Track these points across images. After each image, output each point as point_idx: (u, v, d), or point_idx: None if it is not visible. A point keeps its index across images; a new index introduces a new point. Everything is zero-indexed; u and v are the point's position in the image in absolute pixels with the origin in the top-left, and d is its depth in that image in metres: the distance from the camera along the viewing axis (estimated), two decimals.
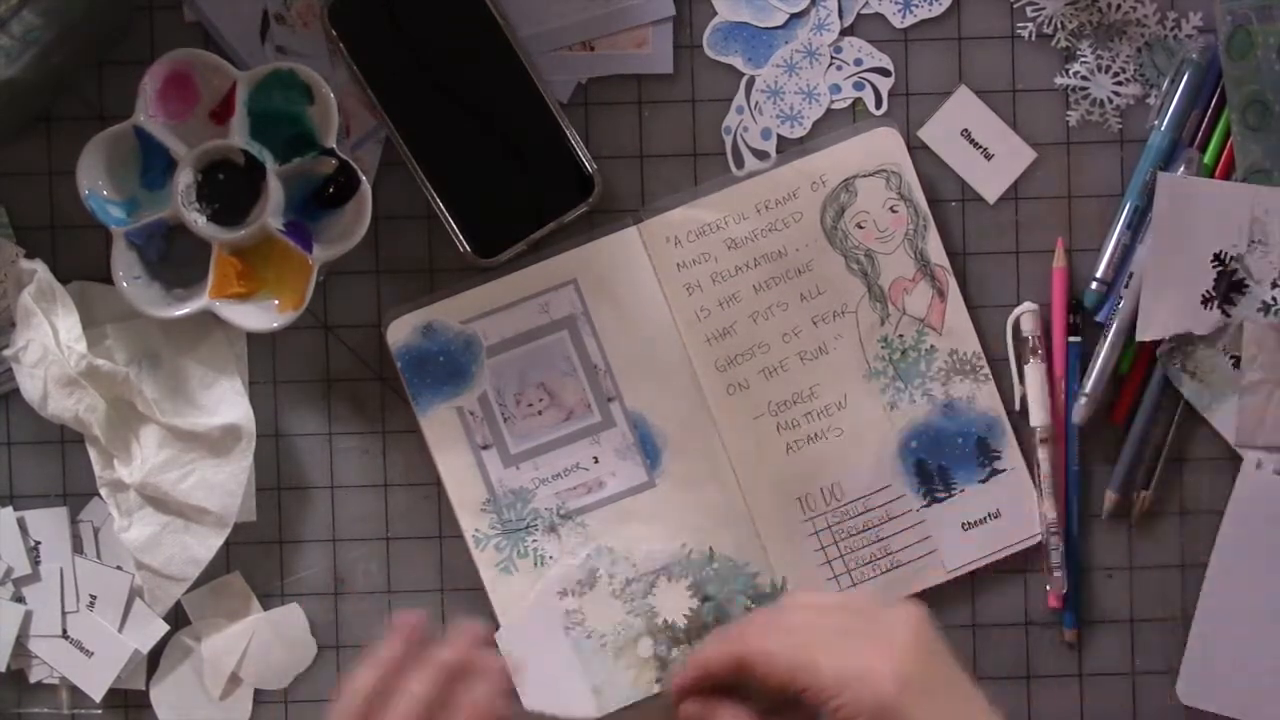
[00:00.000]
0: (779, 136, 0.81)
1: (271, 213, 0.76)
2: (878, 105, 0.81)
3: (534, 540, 0.81)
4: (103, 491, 0.80)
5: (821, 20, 0.81)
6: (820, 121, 0.81)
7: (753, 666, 0.63)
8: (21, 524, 0.81)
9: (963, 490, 0.81)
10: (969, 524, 0.81)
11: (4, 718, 0.82)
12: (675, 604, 0.81)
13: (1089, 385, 0.81)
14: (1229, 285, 0.80)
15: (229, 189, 0.78)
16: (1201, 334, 0.80)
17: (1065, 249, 0.81)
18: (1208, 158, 0.80)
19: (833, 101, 0.81)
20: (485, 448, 0.81)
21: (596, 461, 0.81)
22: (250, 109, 0.76)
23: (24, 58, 0.73)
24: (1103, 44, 0.81)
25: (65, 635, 0.81)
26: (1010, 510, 0.81)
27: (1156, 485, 0.81)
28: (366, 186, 0.76)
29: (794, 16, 0.81)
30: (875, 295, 0.81)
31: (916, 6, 0.81)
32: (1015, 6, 0.81)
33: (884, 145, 0.81)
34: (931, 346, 0.81)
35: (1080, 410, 0.81)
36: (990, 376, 0.81)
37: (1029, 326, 0.81)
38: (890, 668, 0.61)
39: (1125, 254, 0.81)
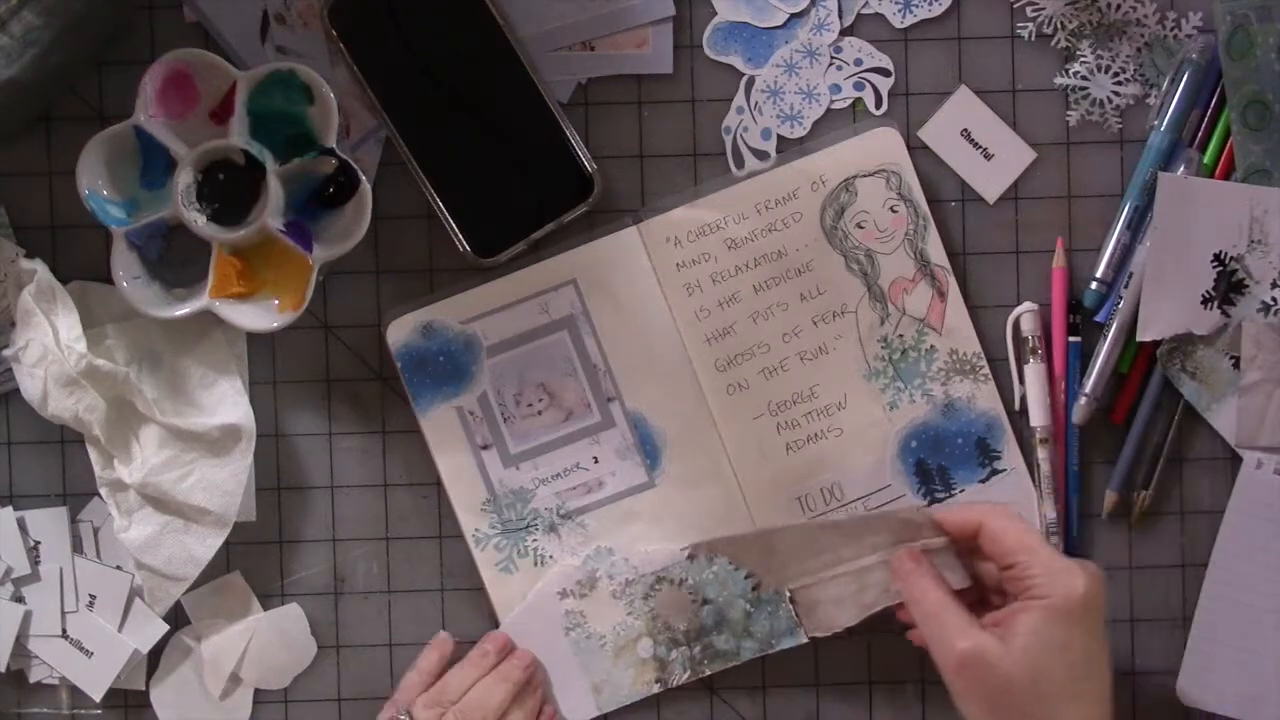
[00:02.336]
0: (779, 136, 0.81)
1: (271, 213, 0.76)
2: (878, 105, 0.82)
3: (534, 540, 0.81)
4: (103, 491, 0.80)
5: (821, 20, 0.81)
6: (820, 121, 0.81)
7: (986, 534, 0.73)
8: (21, 524, 0.81)
9: (963, 490, 0.81)
10: None
11: (4, 718, 0.82)
12: (675, 607, 0.81)
13: (1089, 385, 0.81)
14: (1229, 285, 0.80)
15: (229, 189, 0.78)
16: (1201, 334, 0.80)
17: (1065, 249, 0.81)
18: (1208, 158, 0.80)
19: (833, 101, 0.81)
20: (485, 448, 0.81)
21: (596, 461, 0.81)
22: (250, 109, 0.77)
23: (24, 58, 0.73)
24: (1103, 44, 0.81)
25: (65, 635, 0.81)
26: None
27: (1156, 485, 0.82)
28: (366, 186, 0.76)
29: (794, 16, 0.81)
30: (875, 295, 0.81)
31: (916, 6, 0.81)
32: (1015, 6, 0.81)
33: (884, 145, 0.81)
34: (931, 346, 0.81)
35: (1080, 410, 0.81)
36: (990, 376, 0.81)
37: (1029, 326, 0.81)
38: (1084, 583, 0.70)
39: (1125, 254, 0.81)
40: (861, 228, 0.81)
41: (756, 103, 0.81)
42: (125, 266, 0.77)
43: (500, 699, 0.78)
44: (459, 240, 0.79)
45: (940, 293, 0.81)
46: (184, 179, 0.76)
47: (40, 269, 0.78)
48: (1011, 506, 0.76)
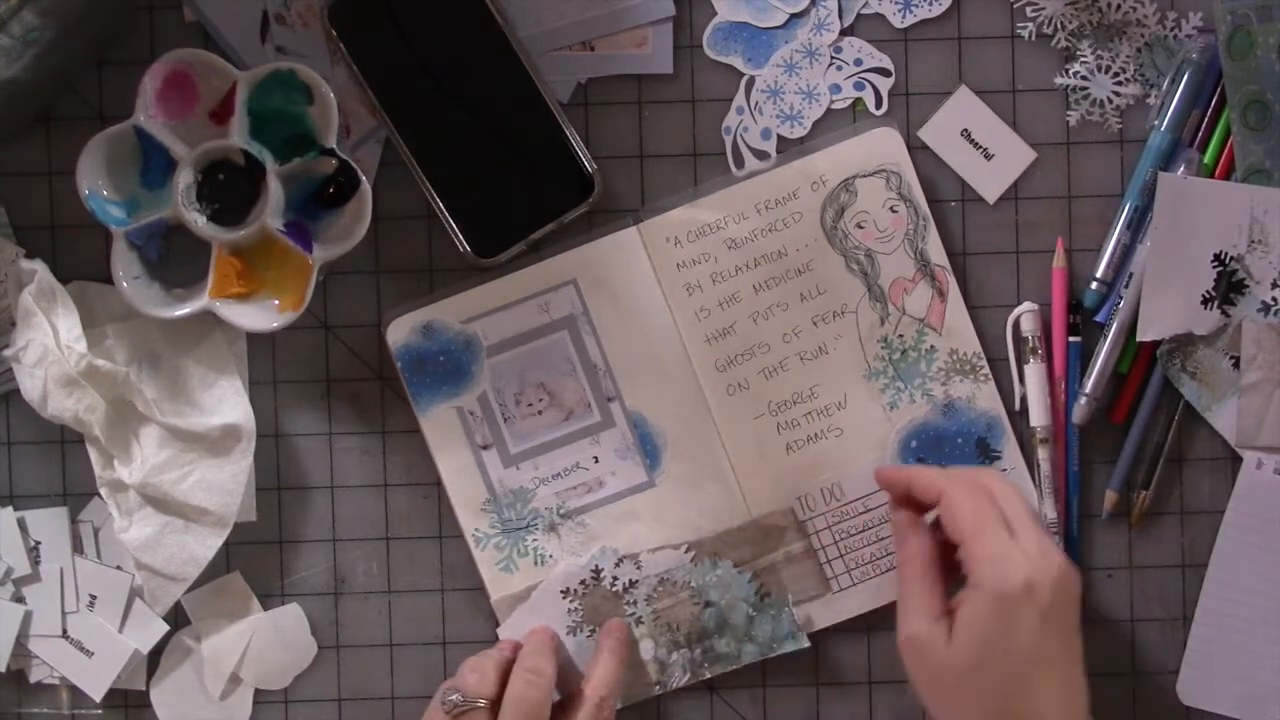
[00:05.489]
0: (779, 136, 0.81)
1: (271, 213, 0.76)
2: (878, 105, 0.82)
3: (534, 540, 0.81)
4: (103, 491, 0.80)
5: (821, 20, 0.81)
6: (820, 121, 0.81)
7: (944, 506, 0.72)
8: (21, 524, 0.81)
9: None
10: None
11: (4, 718, 0.82)
12: (678, 609, 0.81)
13: (1089, 385, 0.81)
14: (1229, 285, 0.80)
15: (229, 189, 0.78)
16: (1201, 334, 0.80)
17: (1065, 249, 0.81)
18: (1208, 158, 0.80)
19: (833, 101, 0.81)
20: (485, 447, 0.81)
21: (596, 461, 0.81)
22: (250, 109, 0.76)
23: (24, 58, 0.73)
24: (1103, 44, 0.81)
25: (65, 635, 0.81)
26: None
27: (1156, 485, 0.81)
28: (366, 186, 0.76)
29: (794, 16, 0.81)
30: (875, 295, 0.81)
31: (916, 6, 0.81)
32: (1015, 6, 0.81)
33: (884, 145, 0.81)
34: (931, 346, 0.81)
35: (1080, 410, 0.81)
36: (990, 376, 0.81)
37: (1029, 326, 0.81)
38: (1025, 569, 0.68)
39: (1125, 254, 0.81)
40: (861, 228, 0.81)
41: (756, 103, 0.81)
42: (125, 266, 0.77)
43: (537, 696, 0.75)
44: (459, 240, 0.79)
45: (940, 293, 0.81)
46: (184, 179, 0.76)
47: (40, 269, 0.78)
48: (1001, 475, 0.76)
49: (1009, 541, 0.70)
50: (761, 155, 0.81)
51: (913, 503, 0.75)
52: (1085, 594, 0.81)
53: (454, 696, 0.74)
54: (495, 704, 0.74)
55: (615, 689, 0.77)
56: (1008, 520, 0.71)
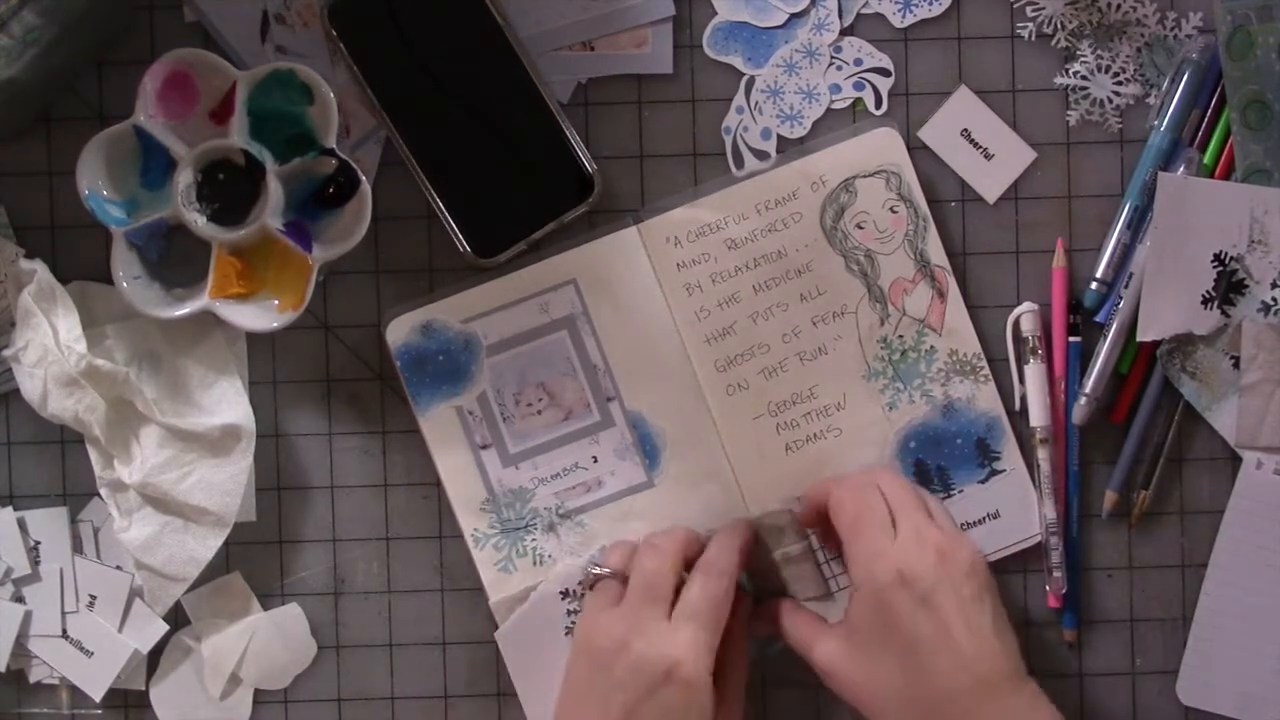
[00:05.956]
0: (779, 136, 0.81)
1: (271, 213, 0.76)
2: (878, 105, 0.82)
3: (533, 540, 0.81)
4: (103, 491, 0.80)
5: (821, 20, 0.81)
6: (820, 121, 0.81)
7: (830, 508, 0.76)
8: (21, 524, 0.81)
9: (962, 491, 0.81)
10: (968, 524, 0.81)
11: (4, 718, 0.82)
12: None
13: (1089, 385, 0.81)
14: (1229, 285, 0.80)
15: (229, 189, 0.78)
16: (1201, 334, 0.80)
17: (1065, 249, 0.81)
18: (1208, 158, 0.80)
19: (833, 101, 0.81)
20: (484, 447, 0.81)
21: (595, 461, 0.81)
22: (250, 109, 0.77)
23: (24, 58, 0.73)
24: (1103, 44, 0.81)
25: (65, 635, 0.81)
26: (1010, 511, 0.81)
27: (1156, 485, 0.81)
28: (366, 186, 0.76)
29: (794, 16, 0.81)
30: (875, 296, 0.81)
31: (916, 6, 0.81)
32: (1015, 6, 0.81)
33: (884, 145, 0.81)
34: (931, 347, 0.81)
35: (1080, 410, 0.81)
36: (990, 377, 0.81)
37: (1029, 326, 0.81)
38: (896, 565, 0.71)
39: (1125, 254, 0.81)
40: (861, 228, 0.81)
41: (756, 103, 0.81)
42: (125, 266, 0.77)
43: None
44: (459, 240, 0.79)
45: (940, 293, 0.81)
46: (184, 179, 0.76)
47: (40, 269, 0.78)
48: (891, 470, 0.79)
49: (882, 538, 0.72)
50: (761, 155, 0.81)
51: (826, 519, 0.77)
52: (1086, 594, 0.82)
53: (594, 569, 0.77)
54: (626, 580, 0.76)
55: (729, 563, 0.76)
56: (892, 511, 0.74)
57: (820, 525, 0.79)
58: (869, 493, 0.75)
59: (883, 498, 0.75)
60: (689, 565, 0.76)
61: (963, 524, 0.81)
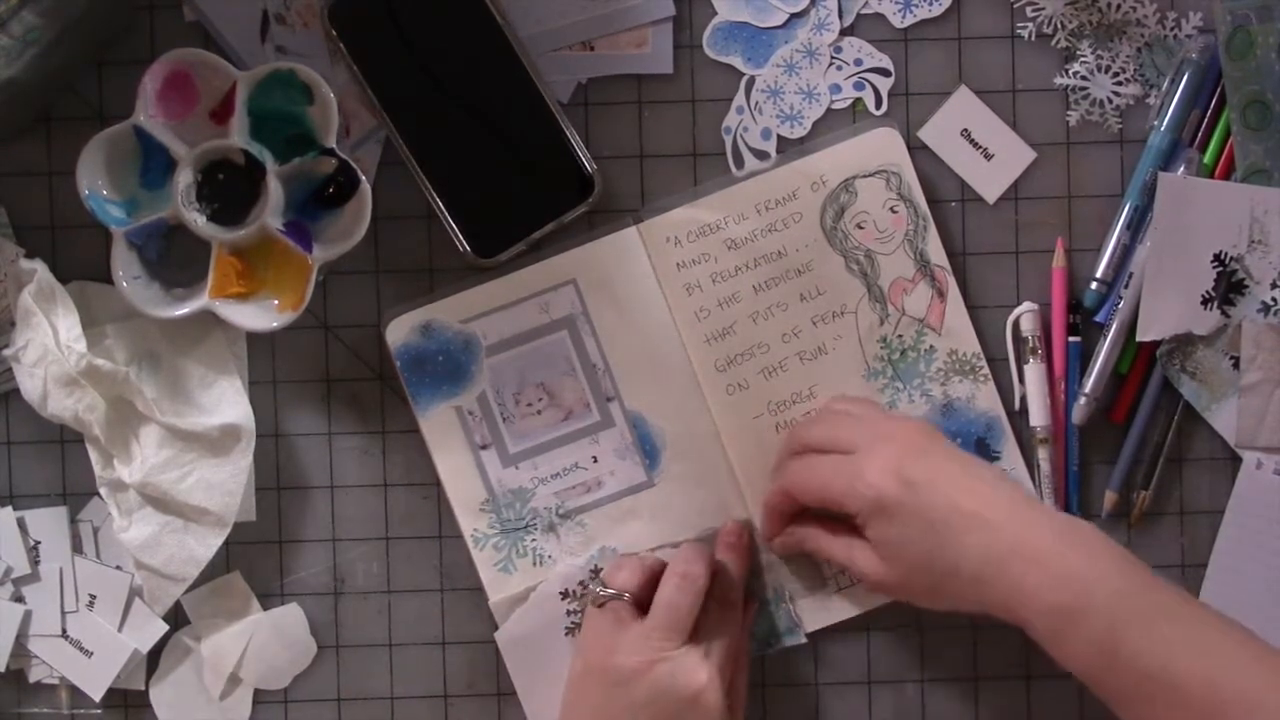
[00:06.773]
0: (779, 136, 0.81)
1: (271, 213, 0.76)
2: (878, 105, 0.82)
3: (533, 540, 0.81)
4: (102, 491, 0.80)
5: (821, 20, 0.81)
6: (820, 121, 0.81)
7: (795, 491, 0.77)
8: (21, 524, 0.81)
9: None
10: None
11: (4, 718, 0.82)
12: None
13: (1089, 385, 0.81)
14: (1229, 285, 0.80)
15: (229, 189, 0.78)
16: (1201, 334, 0.80)
17: (1065, 249, 0.81)
18: (1208, 158, 0.80)
19: (833, 101, 0.81)
20: (484, 447, 0.81)
21: (595, 461, 0.81)
22: (250, 109, 0.77)
23: (24, 58, 0.73)
24: (1103, 44, 0.81)
25: (65, 635, 0.81)
26: None
27: (1156, 485, 0.81)
28: (366, 186, 0.76)
29: (794, 16, 0.81)
30: (875, 295, 0.81)
31: (916, 6, 0.81)
32: (1015, 6, 0.81)
33: (884, 145, 0.81)
34: (931, 347, 0.81)
35: (1080, 410, 0.81)
36: (990, 376, 0.81)
37: (1029, 326, 0.81)
38: (879, 466, 0.73)
39: (1125, 254, 0.81)
40: (861, 228, 0.81)
41: (756, 103, 0.81)
42: (125, 266, 0.77)
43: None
44: (459, 240, 0.79)
45: (940, 293, 0.81)
46: (184, 179, 0.76)
47: (40, 269, 0.78)
48: (787, 435, 0.81)
49: (850, 468, 0.74)
50: (761, 155, 0.81)
51: (794, 505, 0.79)
52: None
53: (599, 588, 0.76)
54: (640, 604, 0.76)
55: (739, 595, 0.79)
56: (832, 447, 0.76)
57: (812, 520, 0.78)
58: (807, 461, 0.77)
59: (816, 451, 0.77)
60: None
61: None
